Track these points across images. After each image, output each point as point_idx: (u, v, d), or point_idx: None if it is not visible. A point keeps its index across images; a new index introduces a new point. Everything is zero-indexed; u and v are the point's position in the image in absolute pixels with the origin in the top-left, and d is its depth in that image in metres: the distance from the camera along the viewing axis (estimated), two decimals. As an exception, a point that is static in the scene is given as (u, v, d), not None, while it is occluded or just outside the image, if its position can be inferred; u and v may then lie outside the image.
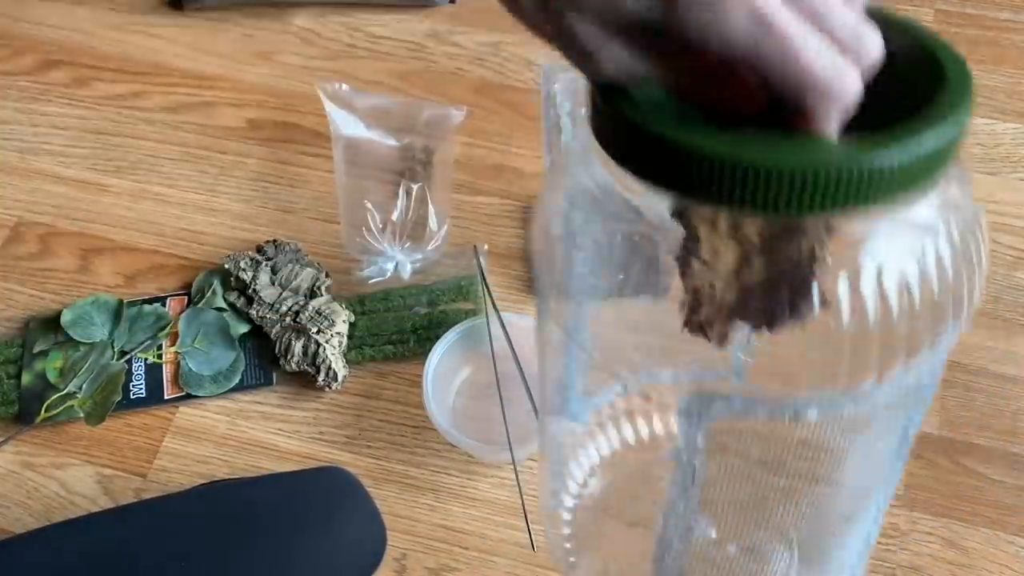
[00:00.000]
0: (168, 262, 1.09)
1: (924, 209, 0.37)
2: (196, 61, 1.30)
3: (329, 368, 0.96)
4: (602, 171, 0.38)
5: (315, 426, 0.96)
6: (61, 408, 0.95)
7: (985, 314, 1.05)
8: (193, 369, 0.99)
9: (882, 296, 0.37)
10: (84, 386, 0.97)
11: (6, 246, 1.11)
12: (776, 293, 0.35)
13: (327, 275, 1.04)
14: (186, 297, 1.05)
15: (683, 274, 0.37)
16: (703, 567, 0.57)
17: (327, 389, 0.98)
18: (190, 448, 0.95)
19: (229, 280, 1.04)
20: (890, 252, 0.38)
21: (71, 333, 0.99)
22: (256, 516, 0.69)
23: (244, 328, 1.02)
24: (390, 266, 1.05)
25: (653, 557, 0.51)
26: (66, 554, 0.65)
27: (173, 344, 1.01)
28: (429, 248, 1.06)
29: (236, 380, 0.98)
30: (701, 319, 0.37)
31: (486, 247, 1.07)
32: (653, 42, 0.33)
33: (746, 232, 0.34)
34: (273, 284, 1.02)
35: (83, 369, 0.97)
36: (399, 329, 1.01)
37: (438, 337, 0.96)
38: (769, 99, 0.33)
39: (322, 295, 1.02)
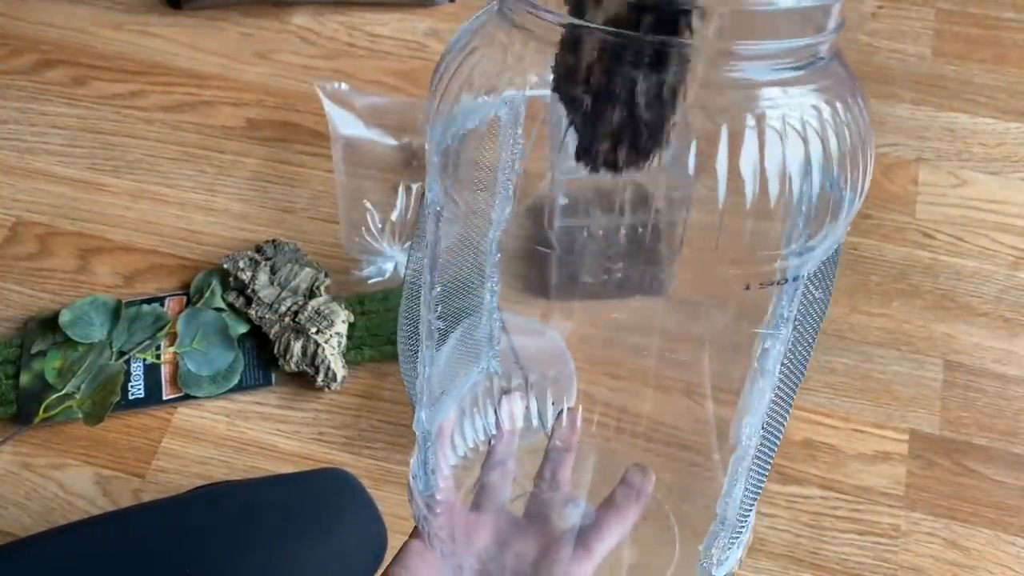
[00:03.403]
0: (167, 262, 1.09)
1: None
2: (195, 60, 1.29)
3: (328, 368, 0.96)
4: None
5: (314, 427, 0.96)
6: (59, 408, 0.95)
7: (986, 314, 1.05)
8: (192, 369, 0.98)
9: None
10: (82, 386, 0.96)
11: (4, 246, 1.11)
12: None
13: (326, 275, 1.04)
14: (185, 297, 1.05)
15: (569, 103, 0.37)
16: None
17: (326, 389, 0.97)
18: (189, 449, 0.95)
19: (228, 280, 1.04)
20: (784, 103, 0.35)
21: (69, 333, 0.99)
22: (257, 518, 0.69)
23: (243, 328, 1.01)
24: (389, 266, 1.05)
25: None
26: (67, 559, 0.65)
27: (172, 344, 1.00)
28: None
29: (235, 380, 0.98)
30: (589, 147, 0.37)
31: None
32: None
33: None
34: (272, 284, 1.02)
35: (81, 369, 0.97)
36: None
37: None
38: None
39: (321, 295, 1.02)
